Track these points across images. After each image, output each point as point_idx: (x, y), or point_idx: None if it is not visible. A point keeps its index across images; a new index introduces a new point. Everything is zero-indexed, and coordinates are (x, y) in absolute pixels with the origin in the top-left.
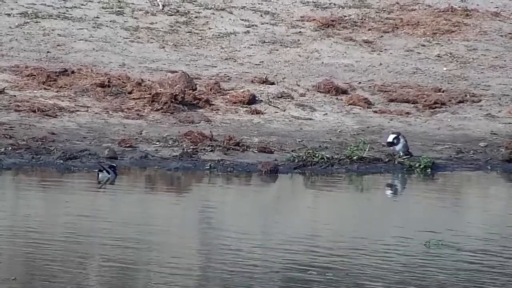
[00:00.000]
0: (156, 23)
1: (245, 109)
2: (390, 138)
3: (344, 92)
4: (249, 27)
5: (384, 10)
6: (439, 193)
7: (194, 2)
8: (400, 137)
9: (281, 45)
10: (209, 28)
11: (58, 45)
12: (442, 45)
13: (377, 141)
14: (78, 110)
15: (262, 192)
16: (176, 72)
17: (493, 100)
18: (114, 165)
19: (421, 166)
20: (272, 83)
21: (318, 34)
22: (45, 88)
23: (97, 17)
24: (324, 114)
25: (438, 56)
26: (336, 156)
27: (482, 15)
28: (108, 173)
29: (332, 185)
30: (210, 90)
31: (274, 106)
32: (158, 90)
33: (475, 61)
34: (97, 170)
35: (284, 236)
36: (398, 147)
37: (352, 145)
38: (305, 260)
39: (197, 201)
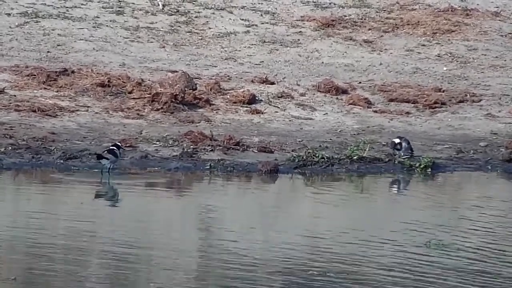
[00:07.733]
0: (156, 22)
1: (245, 108)
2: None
3: (344, 91)
4: (249, 26)
5: (384, 10)
6: (439, 193)
7: (194, 2)
8: (403, 142)
9: (281, 45)
10: (209, 28)
11: (58, 45)
12: (442, 45)
13: (378, 141)
14: (78, 110)
15: (262, 192)
16: (176, 72)
17: (493, 100)
18: (113, 148)
19: (421, 166)
20: (272, 83)
21: (318, 34)
22: (45, 88)
23: (97, 17)
24: (324, 114)
25: (438, 56)
26: (336, 156)
27: (482, 15)
28: (108, 158)
29: (332, 185)
30: (210, 90)
31: (274, 106)
32: (158, 90)
33: (475, 61)
34: (96, 159)
35: (284, 236)
36: (401, 152)
37: (352, 145)
38: (305, 260)
39: (197, 201)
